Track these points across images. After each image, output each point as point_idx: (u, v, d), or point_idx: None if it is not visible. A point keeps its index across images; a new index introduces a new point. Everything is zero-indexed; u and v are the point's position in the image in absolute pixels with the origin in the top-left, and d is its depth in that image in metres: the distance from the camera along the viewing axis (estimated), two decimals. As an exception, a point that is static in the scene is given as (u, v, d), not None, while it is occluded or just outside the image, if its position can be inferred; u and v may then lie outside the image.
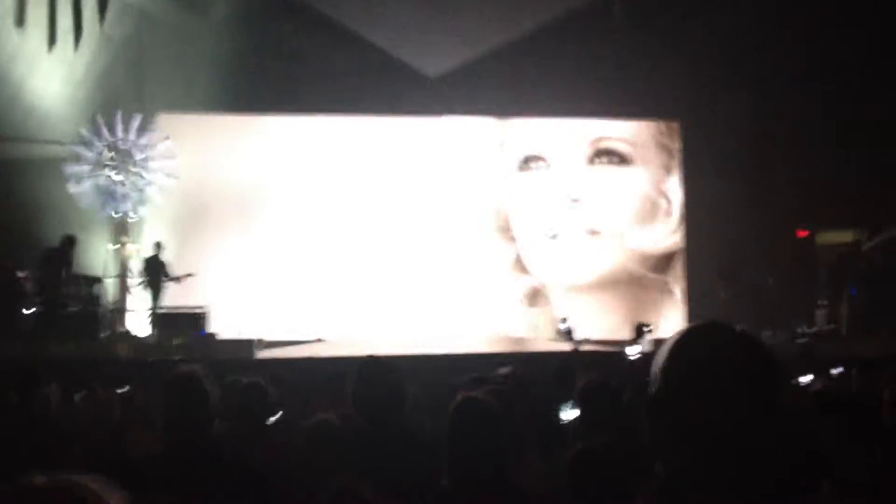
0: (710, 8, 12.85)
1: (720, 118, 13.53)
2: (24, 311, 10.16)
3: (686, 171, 14.42)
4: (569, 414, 3.89)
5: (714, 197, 13.25)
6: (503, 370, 5.79)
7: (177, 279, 11.66)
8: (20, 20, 11.45)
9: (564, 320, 12.30)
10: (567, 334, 10.27)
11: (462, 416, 2.89)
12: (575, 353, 9.23)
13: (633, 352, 8.60)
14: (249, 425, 3.86)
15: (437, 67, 13.76)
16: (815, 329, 11.56)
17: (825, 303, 12.14)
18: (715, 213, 13.37)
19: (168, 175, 12.72)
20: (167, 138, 12.74)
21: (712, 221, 13.35)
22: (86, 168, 12.35)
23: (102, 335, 10.90)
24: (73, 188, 12.21)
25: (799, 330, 11.25)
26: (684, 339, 1.60)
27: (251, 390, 3.97)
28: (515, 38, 13.54)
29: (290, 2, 12.99)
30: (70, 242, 11.08)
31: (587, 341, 11.28)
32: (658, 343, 9.41)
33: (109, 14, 12.19)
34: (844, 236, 12.68)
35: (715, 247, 13.28)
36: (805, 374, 5.61)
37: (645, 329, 9.56)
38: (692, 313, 13.80)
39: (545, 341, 13.13)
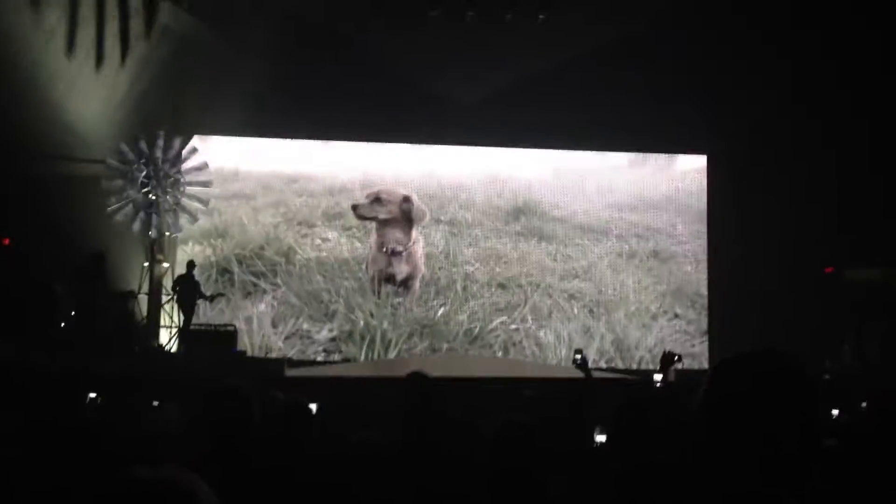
0: (739, 42, 12.94)
1: (747, 152, 13.61)
2: (61, 324, 10.36)
3: (711, 206, 14.45)
4: (601, 436, 3.99)
5: (739, 231, 13.36)
6: (527, 393, 5.86)
7: (208, 298, 11.94)
8: (70, 43, 11.69)
9: (579, 351, 12.15)
10: (582, 366, 10.15)
11: (505, 437, 3.00)
12: (592, 380, 9.24)
13: (658, 379, 8.64)
14: (291, 441, 3.97)
15: (468, 96, 13.88)
16: (840, 364, 11.55)
17: (851, 338, 12.12)
18: (739, 248, 13.49)
19: (201, 195, 12.97)
20: (202, 159, 13.02)
21: (737, 256, 13.46)
22: (122, 186, 12.65)
23: (135, 350, 11.09)
24: (110, 206, 12.48)
25: (826, 364, 11.26)
26: (730, 364, 1.71)
27: (293, 407, 4.08)
28: (545, 70, 13.64)
29: (325, 29, 13.16)
30: (98, 259, 11.33)
31: (601, 370, 11.32)
32: (682, 374, 9.48)
33: (149, 37, 12.42)
34: (873, 273, 12.66)
35: (740, 282, 13.37)
36: (832, 408, 5.68)
37: (675, 360, 9.52)
38: (716, 347, 13.82)
39: (560, 367, 13.17)
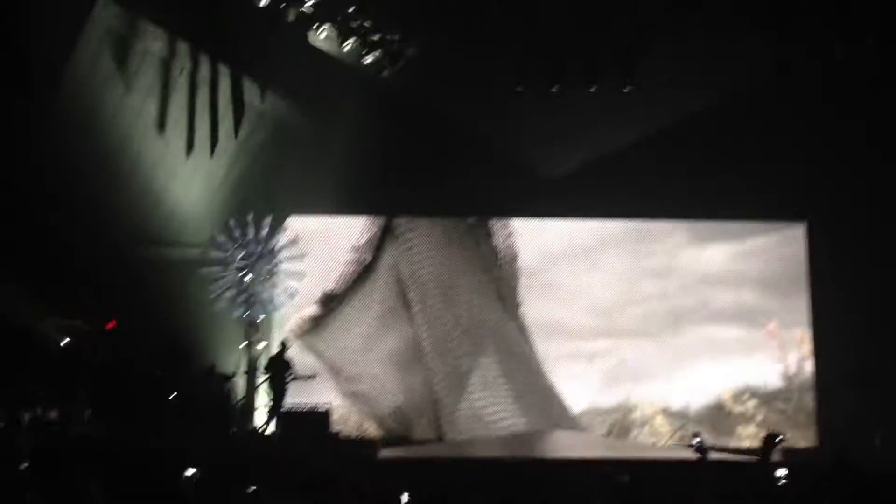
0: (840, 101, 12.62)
1: (850, 218, 13.22)
2: (161, 406, 10.61)
3: (813, 276, 13.95)
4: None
5: (843, 302, 12.90)
6: (622, 478, 5.67)
7: (300, 378, 12.02)
8: (162, 127, 12.23)
9: (696, 435, 11.58)
10: (699, 451, 9.70)
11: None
12: (702, 462, 8.88)
13: (780, 473, 8.24)
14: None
15: (554, 168, 13.85)
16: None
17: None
18: (844, 319, 13.03)
19: (295, 276, 13.32)
20: (295, 240, 13.40)
21: (841, 328, 12.99)
22: (219, 270, 13.17)
23: (232, 431, 11.21)
24: (210, 292, 13.01)
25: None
26: None
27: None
28: (634, 139, 13.54)
29: (413, 107, 13.37)
30: (194, 342, 11.77)
31: (713, 449, 10.88)
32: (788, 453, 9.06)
33: (244, 122, 12.84)
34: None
35: (844, 354, 12.87)
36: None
37: (776, 441, 9.10)
38: (824, 422, 13.29)
39: (664, 448, 12.81)
